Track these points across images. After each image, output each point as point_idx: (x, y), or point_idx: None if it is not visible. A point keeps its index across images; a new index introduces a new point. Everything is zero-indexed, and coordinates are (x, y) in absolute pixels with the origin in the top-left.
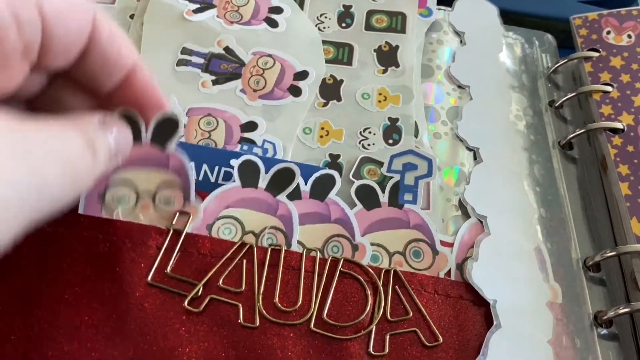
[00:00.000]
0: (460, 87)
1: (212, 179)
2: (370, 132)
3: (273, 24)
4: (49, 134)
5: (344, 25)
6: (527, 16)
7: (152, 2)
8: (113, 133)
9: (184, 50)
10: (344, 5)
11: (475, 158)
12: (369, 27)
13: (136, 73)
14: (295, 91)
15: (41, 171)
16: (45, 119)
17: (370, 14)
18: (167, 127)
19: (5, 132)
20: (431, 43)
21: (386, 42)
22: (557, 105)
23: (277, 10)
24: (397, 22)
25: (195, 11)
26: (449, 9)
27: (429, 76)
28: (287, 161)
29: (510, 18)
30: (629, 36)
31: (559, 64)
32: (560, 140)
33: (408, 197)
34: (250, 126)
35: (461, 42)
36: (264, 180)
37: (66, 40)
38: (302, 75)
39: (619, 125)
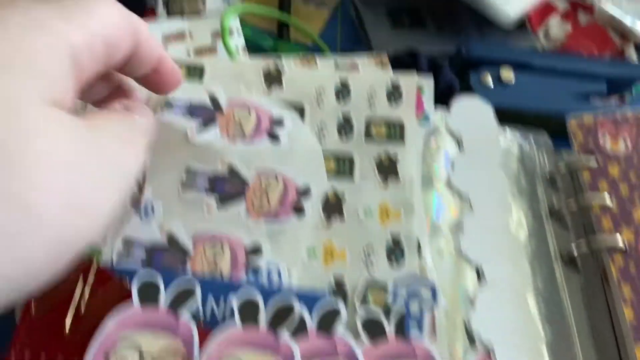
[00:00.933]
0: (460, 196)
1: (219, 315)
2: (373, 253)
3: (275, 139)
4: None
5: (344, 135)
6: (522, 111)
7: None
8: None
9: (189, 171)
10: (343, 114)
11: (479, 277)
12: (368, 136)
13: (162, 63)
14: (299, 210)
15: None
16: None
17: (369, 123)
18: (183, 294)
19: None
20: (430, 149)
21: (386, 153)
22: (557, 215)
23: (279, 122)
24: (395, 131)
25: (199, 130)
26: (446, 110)
27: (429, 187)
28: (287, 292)
29: (505, 114)
30: (625, 143)
31: (557, 170)
32: (562, 252)
33: (414, 327)
34: (256, 250)
35: (459, 147)
36: (264, 317)
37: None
38: (305, 192)
39: (620, 245)
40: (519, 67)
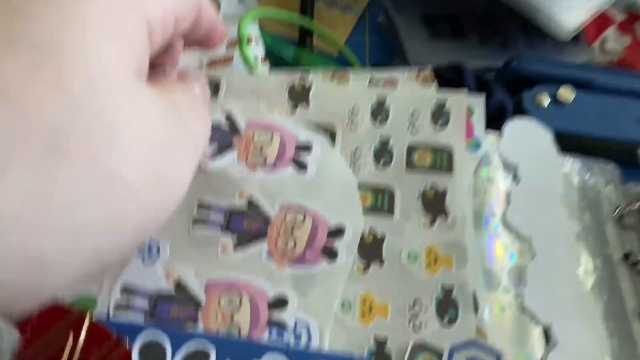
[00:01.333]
0: (519, 238)
1: None
2: (421, 307)
3: (301, 167)
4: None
5: (382, 164)
6: (582, 137)
7: None
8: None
9: (201, 205)
10: (380, 139)
11: (547, 339)
12: (410, 165)
13: (215, 27)
14: (330, 254)
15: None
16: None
17: (411, 149)
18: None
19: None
20: (481, 182)
21: (432, 186)
22: (632, 262)
23: (306, 148)
24: (442, 159)
25: (214, 156)
26: (497, 135)
27: (481, 227)
28: (319, 355)
29: (562, 141)
30: None
31: (629, 209)
32: None
33: None
34: (280, 303)
35: (515, 178)
36: None
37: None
38: (338, 232)
39: None
40: (577, 85)
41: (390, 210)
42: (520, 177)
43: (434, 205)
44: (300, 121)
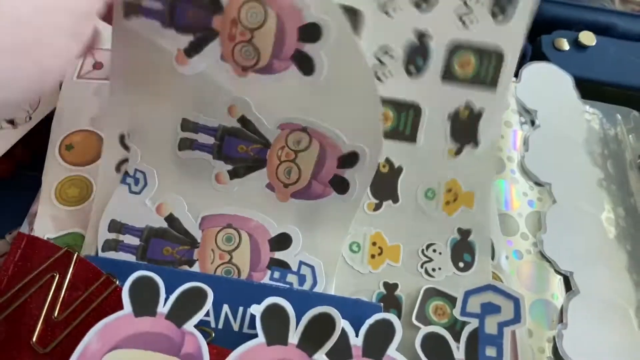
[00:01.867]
0: (538, 184)
1: (236, 327)
2: (435, 251)
3: (307, 65)
4: None
5: (413, 69)
6: (604, 85)
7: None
8: None
9: (185, 125)
10: (417, 32)
11: (568, 286)
12: (449, 75)
13: None
14: (341, 185)
15: None
16: None
17: (454, 50)
18: (191, 300)
19: None
20: None
21: (467, 104)
22: None
23: (313, 32)
24: (488, 67)
25: (189, 50)
26: (515, 79)
27: (498, 172)
28: (324, 300)
29: (583, 88)
30: None
31: None
32: None
33: (491, 351)
34: (283, 241)
35: (533, 123)
36: (295, 333)
37: None
38: (352, 159)
39: None
40: (599, 31)
41: (413, 136)
42: (539, 123)
43: (465, 128)
44: None
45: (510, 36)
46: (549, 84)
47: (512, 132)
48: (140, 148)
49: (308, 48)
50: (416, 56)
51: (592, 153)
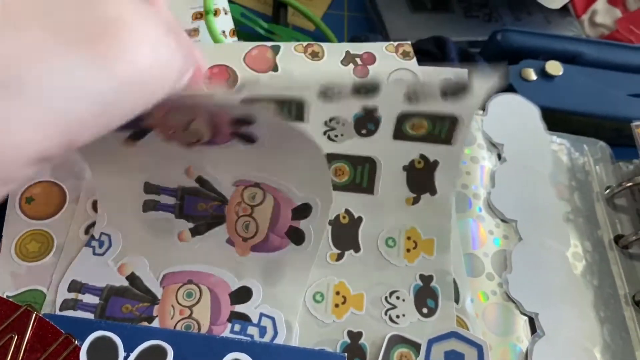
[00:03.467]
0: (504, 221)
1: None
2: (398, 298)
3: (247, 139)
4: None
5: (364, 132)
6: (572, 114)
7: None
8: None
9: (148, 188)
10: (364, 108)
11: (533, 329)
12: (400, 134)
13: None
14: (297, 236)
15: None
16: None
17: (403, 118)
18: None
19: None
20: (464, 162)
21: (421, 156)
22: (623, 244)
23: (244, 121)
24: (442, 128)
25: (133, 137)
26: (481, 112)
27: (464, 210)
28: (288, 350)
29: (551, 118)
30: None
31: (620, 189)
32: (634, 294)
33: None
34: (243, 294)
35: (499, 158)
36: None
37: None
38: (304, 210)
39: None
40: (566, 59)
41: (370, 188)
42: (505, 157)
43: (421, 178)
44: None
45: (464, 109)
46: (515, 116)
47: (480, 167)
48: (106, 212)
49: (244, 129)
50: (367, 122)
51: (558, 185)
